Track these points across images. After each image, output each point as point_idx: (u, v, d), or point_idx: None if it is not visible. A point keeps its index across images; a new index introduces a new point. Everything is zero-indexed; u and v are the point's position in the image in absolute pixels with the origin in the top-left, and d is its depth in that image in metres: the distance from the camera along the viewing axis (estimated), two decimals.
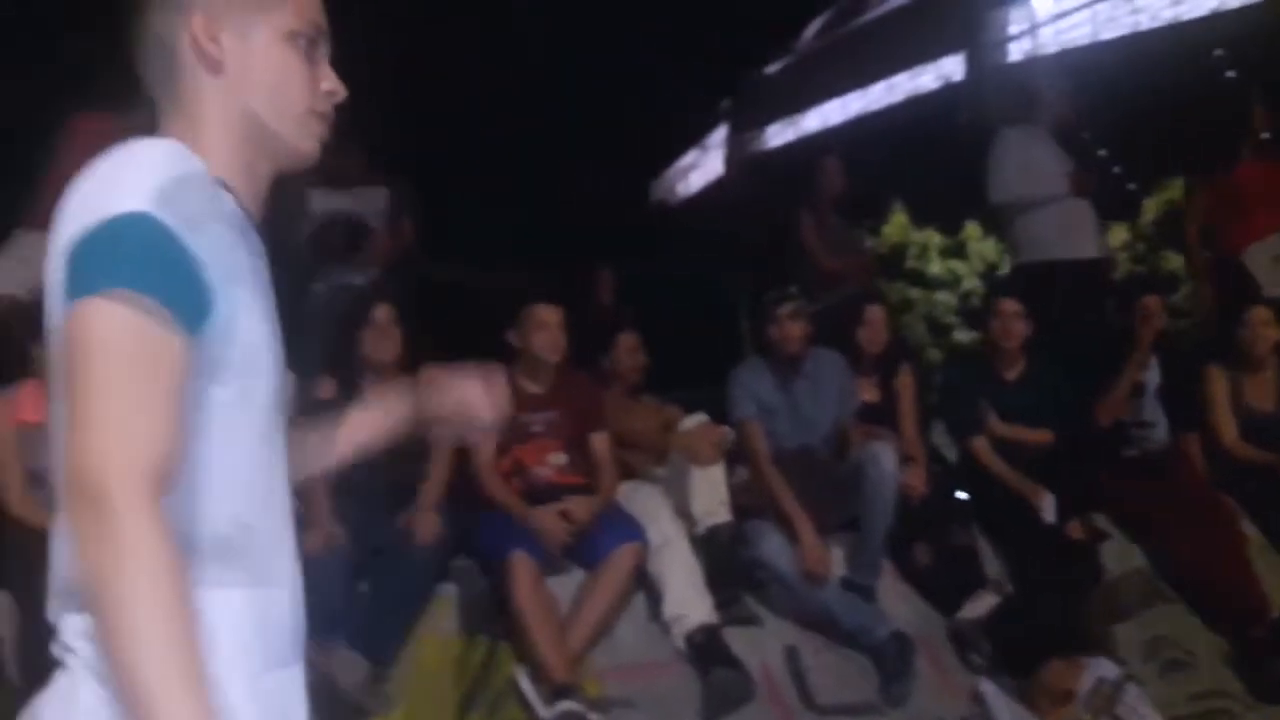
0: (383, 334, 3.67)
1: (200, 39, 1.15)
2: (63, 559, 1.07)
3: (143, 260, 0.98)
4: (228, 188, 1.14)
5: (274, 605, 1.13)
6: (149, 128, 1.17)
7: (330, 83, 1.22)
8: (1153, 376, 4.50)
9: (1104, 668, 3.45)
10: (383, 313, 3.69)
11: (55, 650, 1.08)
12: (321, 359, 3.81)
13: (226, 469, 1.07)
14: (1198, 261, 5.49)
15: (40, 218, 4.55)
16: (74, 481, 0.94)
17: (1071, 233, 4.89)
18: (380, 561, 3.49)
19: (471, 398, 1.44)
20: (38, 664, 3.28)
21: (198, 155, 1.12)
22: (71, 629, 1.06)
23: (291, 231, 4.21)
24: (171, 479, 0.97)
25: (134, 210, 0.99)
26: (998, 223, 5.35)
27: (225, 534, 1.07)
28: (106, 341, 0.96)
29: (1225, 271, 5.22)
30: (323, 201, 4.30)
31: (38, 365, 3.39)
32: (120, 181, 1.02)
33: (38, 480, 3.34)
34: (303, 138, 1.20)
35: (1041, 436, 4.35)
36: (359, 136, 4.30)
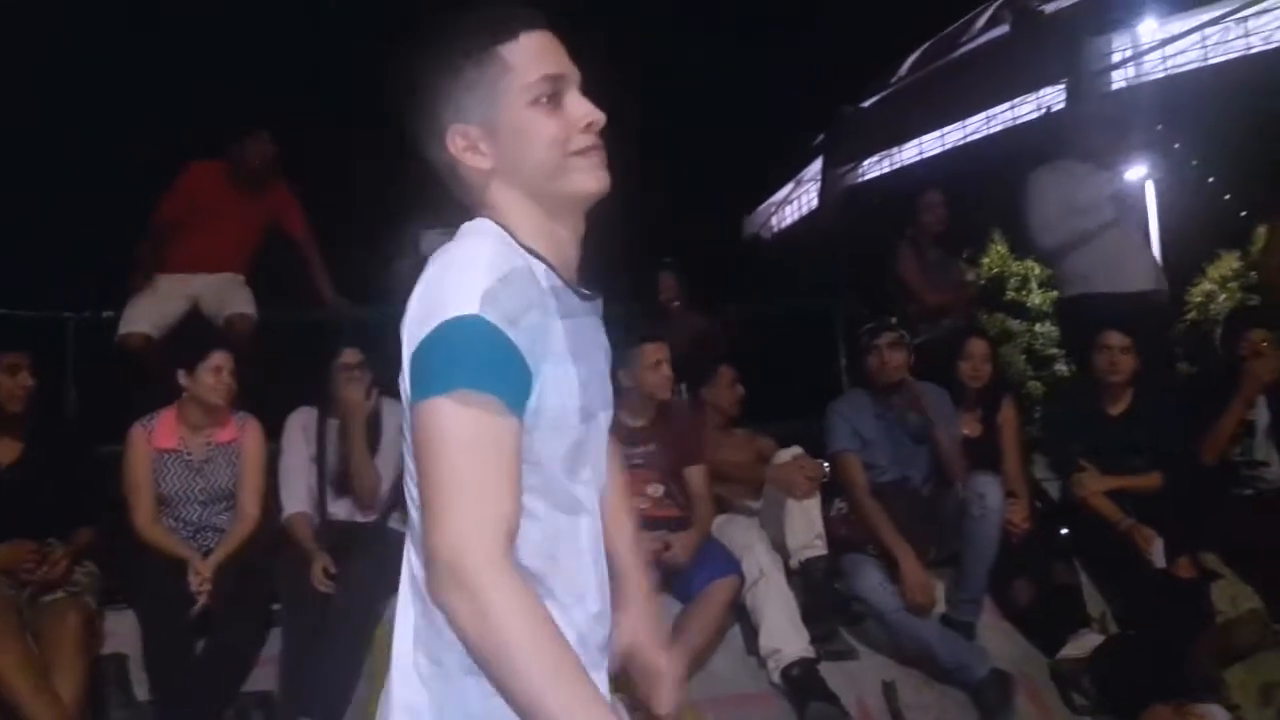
0: None
1: (462, 156, 1.26)
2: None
3: (478, 360, 1.11)
4: (541, 258, 1.25)
5: (586, 619, 1.29)
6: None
7: (584, 115, 1.26)
8: (1262, 414, 4.33)
9: (1215, 714, 3.33)
10: None
11: None
12: None
13: (533, 512, 1.22)
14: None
15: (172, 263, 4.90)
16: (440, 563, 1.08)
17: (1118, 265, 4.75)
18: None
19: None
20: (162, 680, 3.43)
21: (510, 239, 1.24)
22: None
23: (401, 272, 4.39)
24: (514, 540, 1.12)
25: (466, 314, 1.11)
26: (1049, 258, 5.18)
27: (534, 566, 1.22)
28: (456, 438, 1.10)
29: None
30: (432, 243, 4.46)
31: (172, 397, 3.62)
32: (452, 286, 1.15)
33: (165, 504, 3.55)
34: (583, 180, 1.26)
35: (1149, 482, 4.22)
36: None
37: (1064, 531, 4.27)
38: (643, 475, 3.84)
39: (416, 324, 1.15)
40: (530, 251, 1.24)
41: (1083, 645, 3.79)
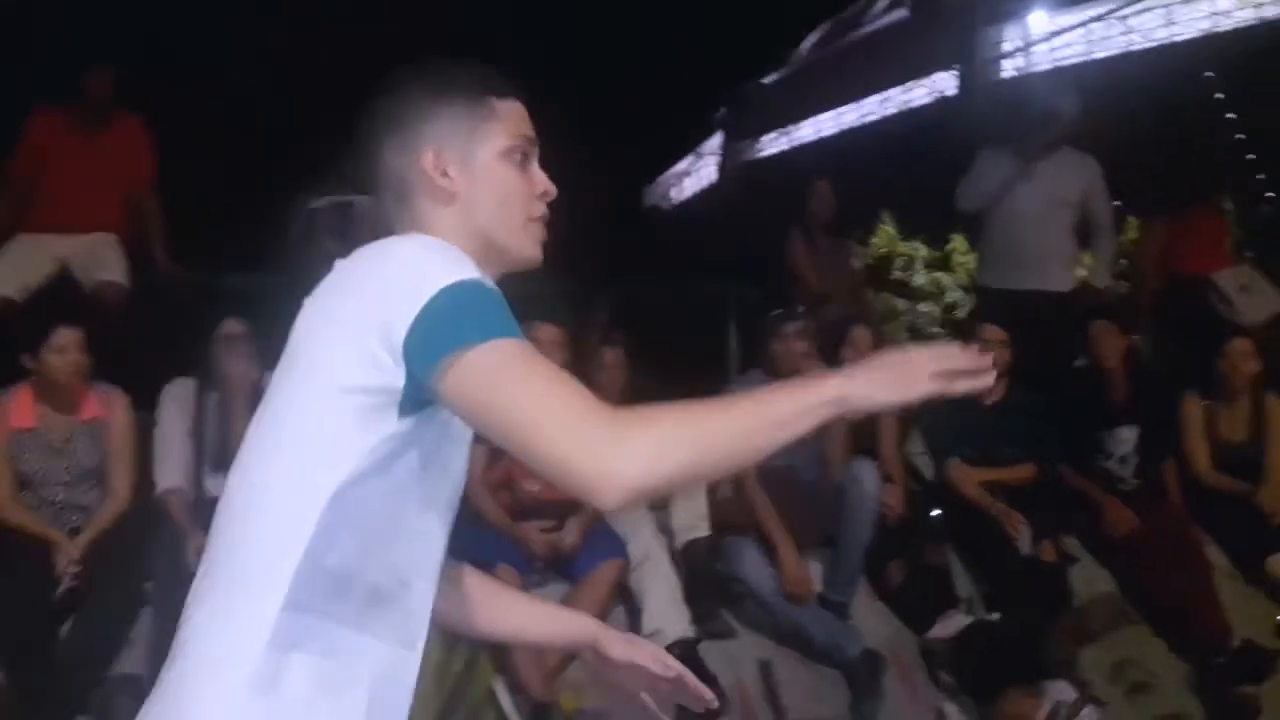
0: None
1: (432, 174, 1.28)
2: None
3: (494, 313, 1.13)
4: None
5: (409, 670, 1.23)
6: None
7: (543, 185, 1.34)
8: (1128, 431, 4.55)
9: (1062, 691, 3.49)
10: None
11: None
12: None
13: (401, 524, 1.19)
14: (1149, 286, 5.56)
15: (36, 222, 4.62)
16: (588, 474, 1.06)
17: (1038, 263, 4.96)
18: None
19: (648, 682, 1.49)
20: (23, 665, 3.30)
21: None
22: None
23: (291, 242, 4.25)
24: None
25: (466, 279, 1.13)
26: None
27: (382, 584, 1.18)
28: (512, 369, 1.10)
29: (1190, 295, 5.27)
30: (326, 214, 4.32)
31: (32, 370, 3.44)
32: (437, 261, 1.15)
33: (26, 484, 3.40)
34: (527, 245, 1.32)
35: (1023, 474, 4.39)
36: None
37: (936, 513, 4.42)
38: None
39: (401, 299, 1.11)
40: None
41: (950, 626, 3.95)
